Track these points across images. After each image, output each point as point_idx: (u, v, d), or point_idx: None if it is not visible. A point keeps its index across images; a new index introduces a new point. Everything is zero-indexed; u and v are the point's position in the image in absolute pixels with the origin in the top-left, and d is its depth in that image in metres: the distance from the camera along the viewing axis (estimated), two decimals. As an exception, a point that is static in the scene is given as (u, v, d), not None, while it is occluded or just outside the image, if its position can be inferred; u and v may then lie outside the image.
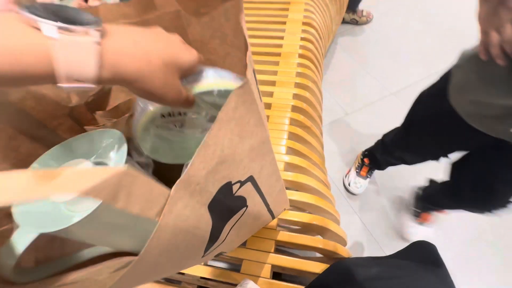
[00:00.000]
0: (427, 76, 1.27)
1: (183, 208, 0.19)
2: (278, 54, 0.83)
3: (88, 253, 0.32)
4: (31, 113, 0.28)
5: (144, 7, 0.32)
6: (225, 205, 0.25)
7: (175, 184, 0.17)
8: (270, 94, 0.74)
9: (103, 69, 0.18)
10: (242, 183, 0.25)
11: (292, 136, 0.67)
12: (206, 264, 0.53)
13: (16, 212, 0.24)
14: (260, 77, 0.76)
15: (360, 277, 0.40)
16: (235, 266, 0.53)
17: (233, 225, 0.30)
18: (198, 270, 0.51)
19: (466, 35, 1.36)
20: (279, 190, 0.42)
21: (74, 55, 0.17)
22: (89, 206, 0.24)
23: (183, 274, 0.53)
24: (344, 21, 1.51)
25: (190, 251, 0.24)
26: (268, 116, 0.69)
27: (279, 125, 0.67)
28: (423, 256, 0.46)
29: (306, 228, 0.58)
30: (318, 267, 0.50)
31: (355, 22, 1.53)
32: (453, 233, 0.90)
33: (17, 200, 0.12)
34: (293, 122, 0.69)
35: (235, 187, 0.24)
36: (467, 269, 0.83)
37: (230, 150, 0.21)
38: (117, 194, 0.14)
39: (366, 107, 1.22)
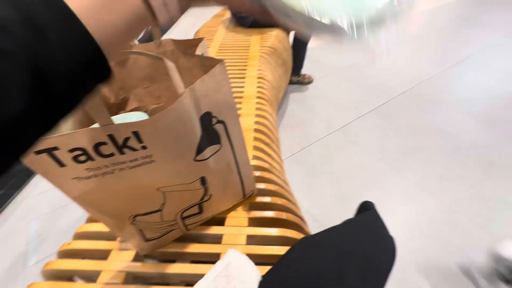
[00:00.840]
0: (359, 116, 1.63)
1: (188, 105, 0.36)
2: (241, 97, 1.09)
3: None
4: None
5: (157, 45, 0.54)
6: (208, 130, 0.42)
7: (187, 88, 0.36)
8: (237, 122, 0.96)
9: None
10: (218, 121, 0.44)
11: (256, 148, 0.87)
12: (194, 242, 0.63)
13: None
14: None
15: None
16: (218, 241, 0.64)
17: (213, 154, 0.46)
18: (189, 247, 0.61)
19: (382, 88, 1.81)
20: (246, 162, 0.59)
21: None
22: None
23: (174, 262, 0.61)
24: (292, 82, 1.92)
25: (187, 142, 0.39)
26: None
27: (246, 141, 0.87)
28: (360, 209, 0.63)
29: (272, 208, 0.72)
30: (284, 233, 0.64)
31: (300, 83, 1.94)
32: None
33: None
34: (256, 139, 0.90)
35: (213, 120, 0.43)
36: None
37: (211, 92, 0.40)
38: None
39: (317, 142, 1.49)
